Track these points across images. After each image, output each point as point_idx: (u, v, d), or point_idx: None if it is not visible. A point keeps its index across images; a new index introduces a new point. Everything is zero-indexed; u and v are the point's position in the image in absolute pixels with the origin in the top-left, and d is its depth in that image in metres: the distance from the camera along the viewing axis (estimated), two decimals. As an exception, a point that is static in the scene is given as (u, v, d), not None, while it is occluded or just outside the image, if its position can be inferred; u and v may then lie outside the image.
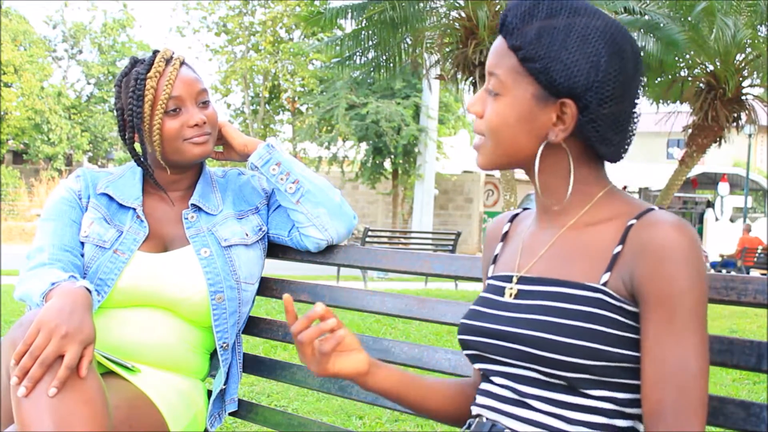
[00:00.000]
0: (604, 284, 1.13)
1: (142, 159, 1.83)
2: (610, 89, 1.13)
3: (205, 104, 1.81)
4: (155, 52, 1.80)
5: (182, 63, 1.80)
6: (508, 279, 1.24)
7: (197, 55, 26.93)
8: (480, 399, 1.25)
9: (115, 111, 1.82)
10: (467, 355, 1.26)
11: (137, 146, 1.82)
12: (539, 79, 1.14)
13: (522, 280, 1.22)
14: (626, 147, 1.21)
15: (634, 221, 1.14)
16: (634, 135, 1.21)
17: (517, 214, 1.37)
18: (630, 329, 1.11)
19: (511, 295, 1.21)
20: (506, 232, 1.35)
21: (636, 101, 1.19)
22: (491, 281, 1.28)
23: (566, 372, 1.11)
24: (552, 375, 1.13)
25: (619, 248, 1.13)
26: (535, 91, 1.15)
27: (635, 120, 1.20)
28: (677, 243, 1.08)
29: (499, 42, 1.19)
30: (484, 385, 1.25)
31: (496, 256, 1.34)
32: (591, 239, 1.18)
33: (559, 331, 1.11)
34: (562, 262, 1.19)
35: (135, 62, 1.81)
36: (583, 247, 1.18)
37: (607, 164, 1.23)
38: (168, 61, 1.78)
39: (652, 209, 1.15)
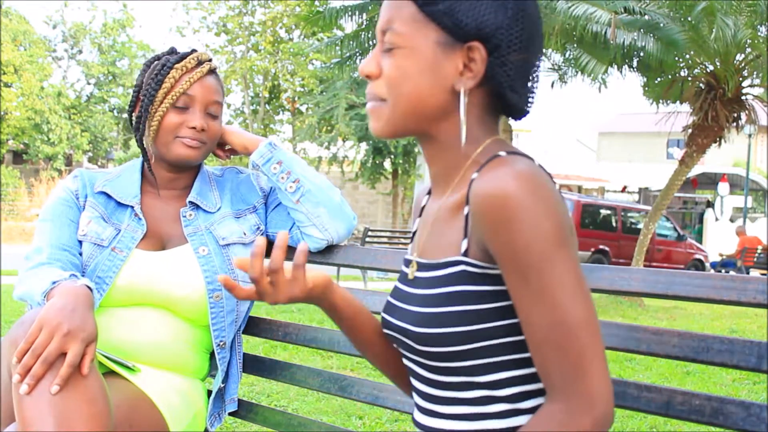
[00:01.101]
0: (465, 253, 1.05)
1: (143, 138, 1.83)
2: (517, 32, 1.07)
3: (214, 117, 1.82)
4: (193, 50, 1.84)
5: (212, 70, 1.83)
6: (408, 263, 1.19)
7: (197, 55, 26.94)
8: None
9: (134, 86, 1.85)
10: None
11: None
12: (443, 22, 1.06)
13: (419, 265, 1.15)
14: (531, 102, 1.13)
15: (476, 174, 1.05)
16: (534, 94, 1.13)
17: None
18: (499, 297, 1.04)
19: (411, 278, 1.15)
20: (424, 206, 1.26)
21: (539, 56, 1.13)
22: (402, 266, 1.22)
23: (455, 362, 1.05)
24: (446, 369, 1.07)
25: (467, 209, 1.05)
26: (438, 38, 1.07)
27: (537, 78, 1.13)
28: (507, 191, 0.97)
29: None
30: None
31: (414, 233, 1.26)
32: (457, 205, 1.10)
33: (430, 322, 1.06)
34: (438, 238, 1.12)
35: (173, 51, 1.85)
36: (452, 215, 1.10)
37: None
38: (200, 62, 1.81)
39: (497, 156, 1.06)
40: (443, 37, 1.07)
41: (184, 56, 1.81)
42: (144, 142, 1.82)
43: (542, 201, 0.97)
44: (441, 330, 1.04)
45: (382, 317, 1.20)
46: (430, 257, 1.12)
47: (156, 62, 1.82)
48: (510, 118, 1.16)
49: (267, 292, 1.16)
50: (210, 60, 1.85)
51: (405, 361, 1.18)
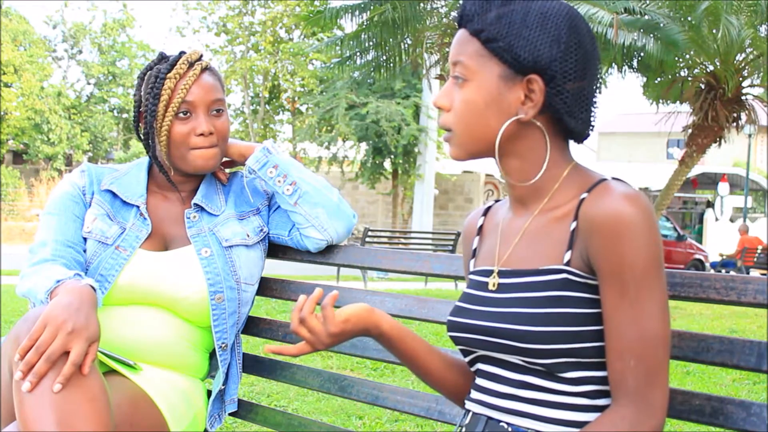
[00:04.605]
0: (567, 263, 1.16)
1: (156, 154, 1.82)
2: (572, 62, 1.18)
3: (219, 113, 1.80)
4: (182, 53, 1.80)
5: (205, 68, 1.80)
6: (489, 273, 1.26)
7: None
8: (472, 394, 1.28)
9: (133, 100, 1.83)
10: (458, 349, 1.30)
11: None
12: (504, 57, 1.18)
13: (501, 273, 1.24)
14: (591, 127, 1.24)
15: (585, 194, 1.17)
16: (595, 117, 1.24)
17: (490, 207, 1.40)
18: (595, 304, 1.15)
19: (493, 287, 1.24)
20: (481, 226, 1.37)
21: (596, 82, 1.23)
22: (473, 276, 1.31)
23: (547, 359, 1.14)
24: (535, 364, 1.16)
25: (574, 224, 1.16)
26: (501, 72, 1.19)
27: (596, 102, 1.23)
28: (624, 214, 1.09)
29: (460, 32, 1.24)
30: (476, 380, 1.28)
31: (475, 250, 1.36)
32: (556, 220, 1.20)
33: (531, 321, 1.14)
34: (533, 249, 1.22)
35: (162, 58, 1.82)
36: (549, 229, 1.21)
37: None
38: (191, 64, 1.78)
39: (604, 180, 1.18)
40: (505, 71, 1.19)
41: (174, 62, 1.77)
42: (158, 156, 1.81)
43: (651, 225, 1.10)
44: (541, 328, 1.13)
45: (453, 321, 1.28)
46: (522, 266, 1.22)
47: (149, 73, 1.79)
48: (572, 141, 1.26)
49: (308, 338, 1.31)
50: (200, 57, 1.81)
51: (477, 359, 1.26)
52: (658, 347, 1.10)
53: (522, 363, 1.19)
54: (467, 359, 1.29)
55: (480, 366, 1.27)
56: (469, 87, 1.21)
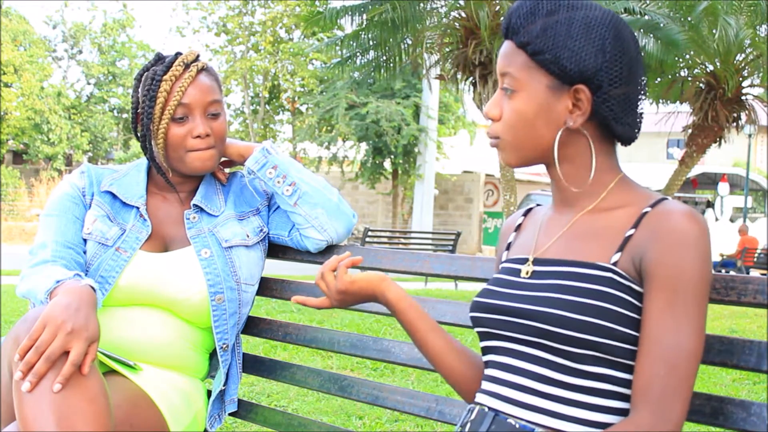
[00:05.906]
0: (615, 264, 1.18)
1: (154, 156, 1.82)
2: (617, 69, 1.21)
3: (215, 116, 1.79)
4: (178, 54, 1.79)
5: (201, 69, 1.78)
6: (524, 261, 1.29)
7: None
8: (483, 384, 1.28)
9: (130, 101, 1.83)
10: (477, 332, 1.31)
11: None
12: (551, 69, 1.21)
13: (537, 261, 1.27)
14: (638, 128, 1.27)
15: (649, 209, 1.20)
16: (642, 117, 1.27)
17: (531, 209, 1.43)
18: (636, 310, 1.16)
19: (527, 274, 1.27)
20: (520, 224, 1.41)
21: (641, 83, 1.26)
22: (506, 264, 1.33)
23: (573, 347, 1.16)
24: (558, 351, 1.17)
25: (632, 231, 1.19)
26: (549, 82, 1.22)
27: (642, 101, 1.26)
28: (689, 230, 1.14)
29: (507, 44, 1.27)
30: (488, 371, 1.28)
31: (510, 243, 1.40)
32: (605, 223, 1.24)
33: (569, 307, 1.16)
34: (576, 244, 1.25)
35: (158, 59, 1.81)
36: (597, 230, 1.24)
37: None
38: (187, 65, 1.77)
39: (666, 199, 1.22)
40: (552, 82, 1.22)
41: (170, 64, 1.76)
42: (155, 158, 1.81)
43: (708, 247, 1.16)
44: (576, 316, 1.15)
45: (479, 302, 1.30)
46: (561, 257, 1.25)
47: (145, 75, 1.78)
48: (619, 143, 1.29)
49: (325, 291, 1.46)
50: (197, 58, 1.80)
51: (495, 343, 1.27)
52: (691, 361, 1.12)
53: (539, 355, 1.19)
54: (483, 344, 1.30)
55: (493, 357, 1.28)
56: (518, 98, 1.24)
